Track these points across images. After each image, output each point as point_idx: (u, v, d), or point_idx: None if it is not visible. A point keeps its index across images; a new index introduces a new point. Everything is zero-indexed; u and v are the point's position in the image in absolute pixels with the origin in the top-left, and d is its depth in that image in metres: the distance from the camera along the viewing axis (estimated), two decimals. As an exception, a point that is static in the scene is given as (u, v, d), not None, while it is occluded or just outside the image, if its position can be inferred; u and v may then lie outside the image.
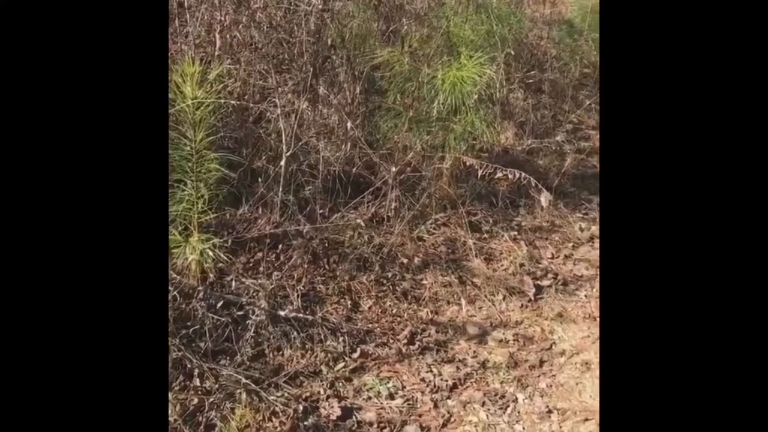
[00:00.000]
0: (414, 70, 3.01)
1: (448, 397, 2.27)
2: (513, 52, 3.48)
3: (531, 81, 4.30)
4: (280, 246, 2.69)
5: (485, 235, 3.18)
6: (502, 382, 2.36)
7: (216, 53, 3.10)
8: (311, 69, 3.10)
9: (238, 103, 2.91)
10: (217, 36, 3.15)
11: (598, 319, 2.73)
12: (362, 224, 2.88)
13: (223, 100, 2.56)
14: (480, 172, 2.80)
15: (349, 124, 3.07)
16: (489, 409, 2.23)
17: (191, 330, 2.20)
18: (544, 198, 2.90)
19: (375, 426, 2.11)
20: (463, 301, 2.76)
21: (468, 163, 2.94)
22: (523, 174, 2.79)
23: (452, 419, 2.18)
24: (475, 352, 2.51)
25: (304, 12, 3.22)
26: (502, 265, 3.01)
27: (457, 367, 2.41)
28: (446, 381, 2.33)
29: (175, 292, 2.17)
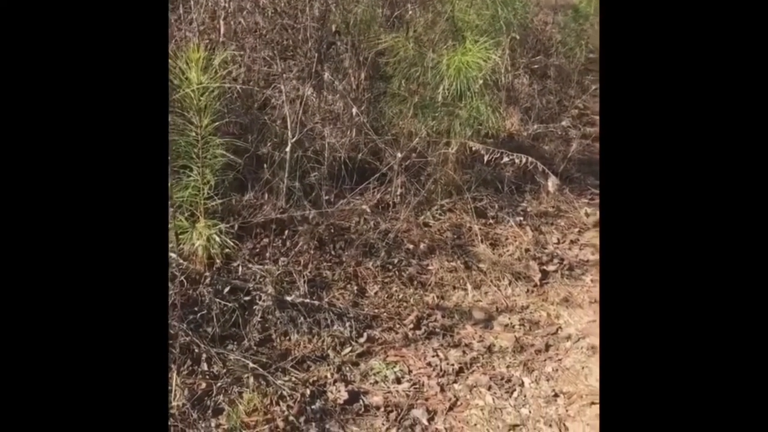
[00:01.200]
0: (419, 55, 3.00)
1: (455, 381, 2.28)
2: (518, 37, 3.46)
3: (536, 66, 4.28)
4: (286, 232, 2.70)
5: (491, 221, 3.18)
6: (508, 367, 2.37)
7: (220, 39, 3.09)
8: (316, 55, 3.09)
9: (243, 87, 2.90)
10: (222, 22, 3.14)
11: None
12: (368, 210, 2.88)
13: (228, 85, 2.56)
14: (486, 158, 2.79)
15: (354, 110, 3.06)
16: (495, 393, 2.24)
17: (198, 315, 2.21)
18: (552, 183, 2.89)
19: (382, 410, 2.12)
20: (468, 287, 2.76)
21: (474, 149, 2.93)
22: (530, 159, 2.78)
23: (459, 403, 2.19)
24: (481, 336, 2.51)
25: (309, -2, 3.21)
26: (507, 251, 3.02)
27: (464, 352, 2.42)
28: (452, 365, 2.34)
29: (182, 278, 2.18)
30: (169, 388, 1.98)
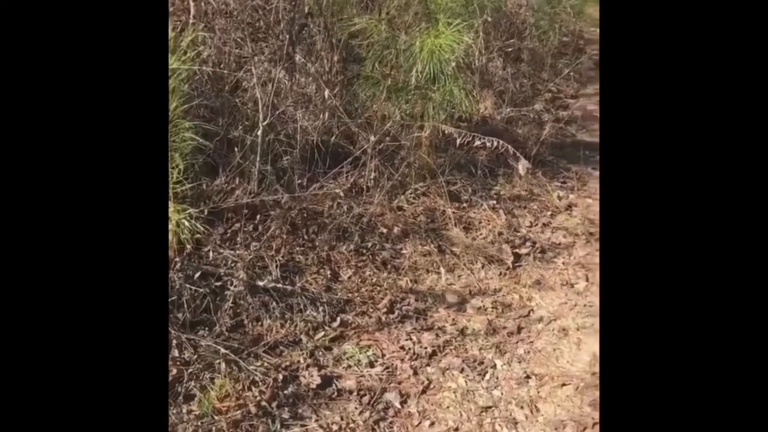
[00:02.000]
0: (392, 37, 2.98)
1: (428, 365, 2.29)
2: (490, 20, 3.45)
3: (510, 49, 4.28)
4: (258, 216, 2.67)
5: (464, 204, 3.19)
6: (480, 349, 2.39)
7: (190, 21, 3.03)
8: (288, 37, 3.05)
9: (213, 71, 2.85)
10: (191, 3, 3.08)
11: (574, 286, 2.77)
12: (341, 194, 2.87)
13: (196, 68, 2.51)
14: (459, 141, 2.79)
15: (326, 93, 3.03)
16: (468, 376, 2.25)
17: (169, 301, 2.19)
18: (522, 166, 2.91)
19: (355, 393, 2.12)
20: (442, 270, 2.77)
21: (447, 132, 2.93)
22: (501, 142, 2.78)
23: (432, 386, 2.21)
24: (454, 319, 2.53)
25: (280, -22, 3.16)
26: (481, 234, 3.03)
27: (437, 335, 2.43)
28: (425, 348, 2.35)
29: (151, 264, 2.15)
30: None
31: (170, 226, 2.13)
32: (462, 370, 2.28)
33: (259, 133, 2.71)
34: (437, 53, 2.78)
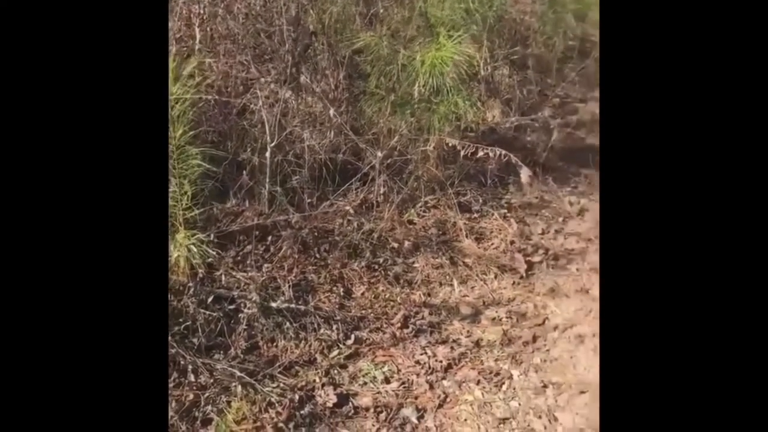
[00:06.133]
0: (394, 53, 2.99)
1: (444, 378, 2.29)
2: (495, 29, 3.45)
3: (516, 57, 4.27)
4: (269, 237, 2.69)
5: (475, 215, 3.18)
6: (496, 360, 2.38)
7: (196, 47, 3.08)
8: (290, 58, 3.08)
9: (217, 98, 2.89)
10: (197, 30, 3.13)
11: (589, 291, 2.75)
12: (351, 211, 2.88)
13: (202, 96, 2.54)
14: (462, 153, 2.79)
15: (332, 111, 3.05)
16: (484, 387, 2.25)
17: (183, 326, 2.21)
18: (524, 174, 2.89)
19: (371, 411, 2.12)
20: (455, 282, 2.77)
21: (451, 144, 2.93)
22: (503, 151, 2.78)
23: (448, 399, 2.20)
24: (468, 331, 2.52)
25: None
26: (492, 244, 3.02)
27: (452, 348, 2.42)
28: (441, 362, 2.34)
29: (165, 290, 2.17)
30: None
31: (180, 252, 2.16)
32: (478, 382, 2.27)
33: (268, 154, 2.73)
34: (438, 66, 2.79)
